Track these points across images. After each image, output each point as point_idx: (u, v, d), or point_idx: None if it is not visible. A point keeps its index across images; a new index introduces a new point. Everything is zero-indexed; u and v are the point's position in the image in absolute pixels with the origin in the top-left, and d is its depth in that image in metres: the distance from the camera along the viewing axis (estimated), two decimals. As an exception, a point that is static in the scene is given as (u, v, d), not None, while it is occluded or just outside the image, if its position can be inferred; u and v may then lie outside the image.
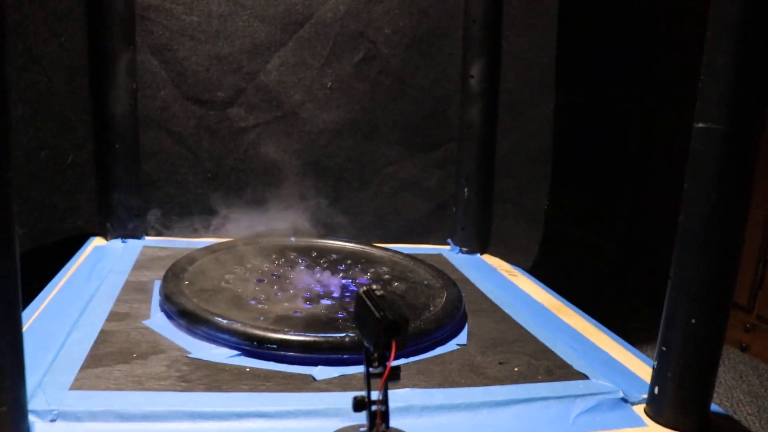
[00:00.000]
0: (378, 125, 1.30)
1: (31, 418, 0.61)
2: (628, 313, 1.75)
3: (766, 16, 0.65)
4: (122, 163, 1.20)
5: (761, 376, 1.51)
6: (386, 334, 0.57)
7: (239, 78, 1.25)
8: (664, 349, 0.72)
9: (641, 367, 0.85)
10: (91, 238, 1.23)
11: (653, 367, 0.73)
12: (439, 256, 1.29)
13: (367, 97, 1.29)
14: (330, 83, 1.28)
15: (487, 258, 1.32)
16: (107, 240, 1.23)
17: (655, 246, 1.90)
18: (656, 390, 0.72)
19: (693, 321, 0.69)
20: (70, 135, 1.19)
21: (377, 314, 0.57)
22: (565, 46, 1.25)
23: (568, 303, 1.10)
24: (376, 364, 0.60)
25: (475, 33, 1.27)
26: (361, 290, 0.61)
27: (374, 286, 0.61)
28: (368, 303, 0.59)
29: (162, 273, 1.02)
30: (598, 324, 1.01)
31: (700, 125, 0.69)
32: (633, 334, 0.98)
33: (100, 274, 1.04)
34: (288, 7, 1.25)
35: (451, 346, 0.86)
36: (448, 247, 1.35)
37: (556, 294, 1.14)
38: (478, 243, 1.33)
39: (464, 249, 1.32)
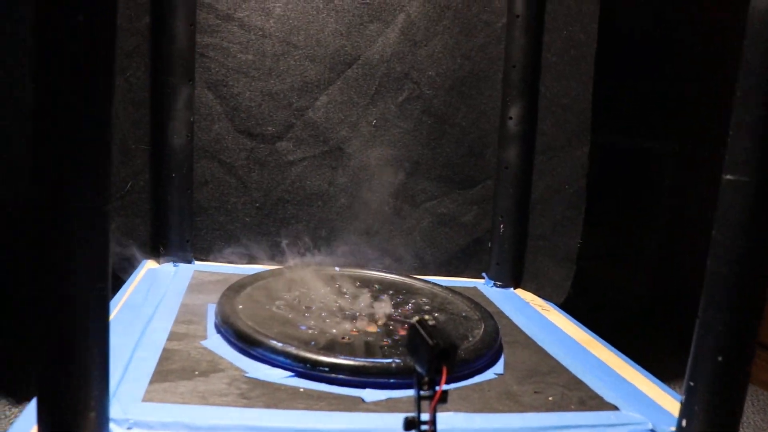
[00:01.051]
0: (419, 162, 1.37)
1: (111, 425, 0.67)
2: (655, 350, 1.78)
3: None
4: (177, 191, 1.27)
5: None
6: (438, 359, 0.63)
7: (289, 114, 1.32)
8: (691, 384, 0.77)
9: (669, 401, 0.89)
10: (144, 261, 1.30)
11: (681, 401, 0.78)
12: (474, 289, 1.34)
13: (410, 136, 1.36)
14: (375, 121, 1.35)
15: (521, 293, 1.37)
16: (159, 263, 1.30)
17: (683, 286, 1.94)
18: (684, 423, 0.76)
19: (720, 359, 0.74)
20: (130, 164, 1.27)
21: (430, 341, 0.63)
22: (601, 88, 1.31)
23: (597, 337, 1.14)
24: (426, 387, 0.66)
25: (514, 77, 1.33)
26: (415, 320, 0.67)
27: (426, 317, 0.67)
28: (421, 331, 0.65)
29: (213, 297, 1.09)
30: (627, 358, 1.05)
31: (728, 177, 0.74)
32: (660, 369, 1.02)
33: (156, 296, 1.11)
34: (337, 48, 1.32)
35: (489, 374, 0.91)
36: (482, 280, 1.40)
37: (586, 329, 1.18)
38: (512, 278, 1.38)
39: (498, 283, 1.37)
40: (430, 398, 0.66)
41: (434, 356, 0.62)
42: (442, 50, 1.35)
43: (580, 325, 1.20)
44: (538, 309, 1.27)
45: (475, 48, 1.35)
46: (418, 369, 0.65)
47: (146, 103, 1.26)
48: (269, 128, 1.32)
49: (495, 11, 1.35)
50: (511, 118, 1.34)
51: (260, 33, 1.29)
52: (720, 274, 0.75)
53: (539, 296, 1.36)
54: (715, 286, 0.75)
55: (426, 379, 0.65)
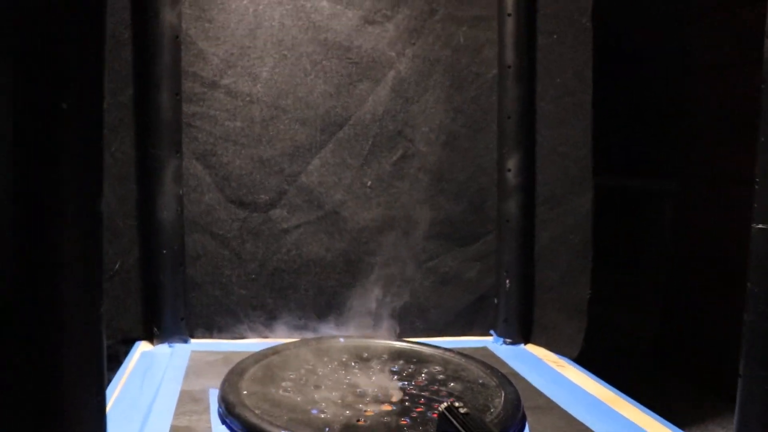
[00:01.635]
0: (418, 221, 1.32)
1: None
2: (667, 394, 1.73)
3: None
4: (169, 267, 1.22)
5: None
6: (476, 453, 0.57)
7: (281, 180, 1.28)
8: (741, 450, 0.71)
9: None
10: (137, 343, 1.24)
11: (730, 469, 0.73)
12: (484, 348, 1.28)
13: (406, 194, 1.32)
14: (370, 182, 1.30)
15: (532, 348, 1.32)
16: (153, 344, 1.23)
17: (690, 325, 1.89)
18: (738, 494, 0.71)
19: None
20: (118, 241, 1.21)
21: (465, 433, 0.57)
22: (601, 131, 1.28)
23: (621, 394, 1.09)
24: (461, 482, 0.60)
25: (509, 128, 1.30)
26: (443, 407, 0.62)
27: (457, 403, 0.61)
28: (454, 422, 0.59)
29: (214, 380, 1.03)
30: (656, 416, 1.00)
31: (759, 226, 0.70)
32: (684, 415, 0.97)
33: (152, 382, 1.04)
34: (327, 109, 1.29)
35: (517, 449, 0.85)
36: (491, 338, 1.35)
37: (607, 384, 1.13)
38: (522, 333, 1.33)
39: (508, 340, 1.32)
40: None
41: (472, 451, 0.57)
42: (434, 105, 1.31)
43: (600, 380, 1.15)
44: (553, 365, 1.22)
45: (468, 100, 1.33)
46: (453, 463, 0.60)
47: (132, 177, 1.21)
48: (262, 196, 1.27)
49: (485, 62, 1.33)
50: (509, 169, 1.30)
51: (248, 99, 1.26)
52: (760, 329, 0.70)
53: (551, 351, 1.30)
54: (755, 342, 0.70)
55: (461, 473, 0.60)
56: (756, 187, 0.71)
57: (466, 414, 0.59)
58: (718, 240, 1.75)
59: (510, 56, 1.30)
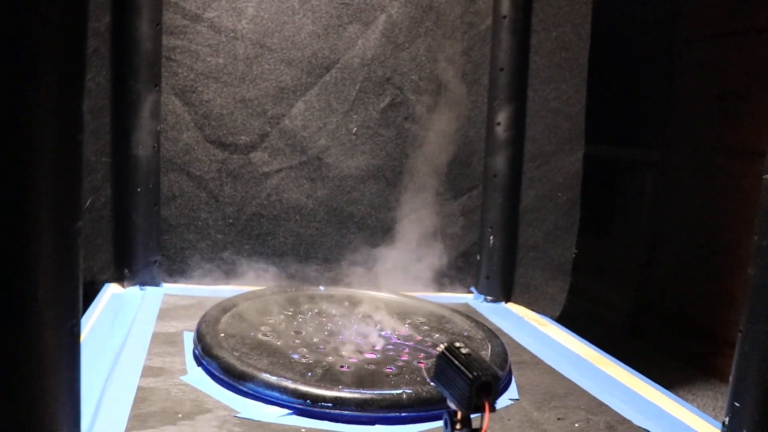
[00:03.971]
0: (402, 172, 1.28)
1: (88, 484, 0.57)
2: (646, 361, 1.73)
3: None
4: (142, 207, 1.17)
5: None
6: (478, 394, 0.54)
7: (263, 122, 1.23)
8: (737, 405, 0.70)
9: (697, 421, 0.83)
10: (107, 285, 1.19)
11: (724, 423, 0.71)
12: (465, 305, 1.26)
13: (392, 144, 1.27)
14: (355, 129, 1.26)
15: (513, 307, 1.30)
16: (124, 287, 1.18)
17: (667, 297, 1.89)
18: (732, 449, 0.69)
19: (769, 377, 0.67)
20: (90, 178, 1.15)
21: (469, 374, 0.54)
22: (590, 96, 1.25)
23: (603, 353, 1.07)
24: (459, 426, 0.57)
25: (501, 81, 1.26)
26: (442, 347, 0.58)
27: (457, 343, 0.58)
28: (455, 361, 0.56)
29: (189, 323, 0.99)
30: (641, 375, 0.98)
31: (770, 177, 0.68)
32: (656, 382, 0.96)
33: (123, 324, 1.00)
34: (315, 51, 1.23)
35: (504, 401, 0.83)
36: (471, 295, 1.32)
37: (589, 343, 1.11)
38: (503, 292, 1.30)
39: (489, 298, 1.30)
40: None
41: (474, 390, 0.54)
42: (425, 53, 1.27)
43: (583, 340, 1.13)
44: (535, 324, 1.20)
45: (460, 51, 1.28)
46: (452, 405, 0.57)
47: (107, 110, 1.15)
48: (242, 138, 1.22)
49: (479, 12, 1.29)
50: (499, 123, 1.27)
51: (232, 35, 1.20)
52: (764, 283, 0.68)
53: (533, 310, 1.28)
54: (760, 296, 0.68)
55: (460, 416, 0.57)
56: (770, 137, 0.68)
57: (468, 354, 0.56)
58: (698, 212, 1.75)
59: (506, 6, 1.25)
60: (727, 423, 0.71)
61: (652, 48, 1.97)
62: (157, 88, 1.15)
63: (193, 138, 1.20)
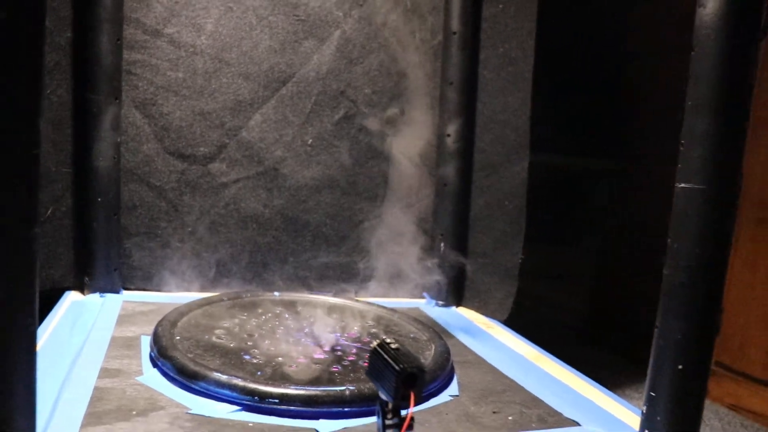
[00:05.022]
0: (356, 182, 1.34)
1: (43, 475, 0.60)
2: (594, 364, 1.80)
3: (744, 89, 0.71)
4: (103, 216, 1.20)
5: (722, 420, 1.57)
6: (405, 385, 0.59)
7: (222, 134, 1.27)
8: (653, 394, 0.76)
9: (626, 414, 0.88)
10: (67, 293, 1.22)
11: (642, 411, 0.77)
12: (417, 309, 1.31)
13: (347, 154, 1.32)
14: (311, 140, 1.31)
15: (463, 311, 1.35)
16: (84, 294, 1.21)
17: (621, 301, 1.96)
18: (647, 434, 0.75)
19: (680, 367, 0.73)
20: (51, 188, 1.18)
21: (396, 366, 0.59)
22: (540, 106, 1.31)
23: (547, 353, 1.13)
24: (390, 416, 0.62)
25: (451, 94, 1.32)
26: (376, 343, 0.63)
27: (388, 339, 0.63)
28: (385, 356, 0.61)
29: (147, 328, 1.03)
30: (578, 372, 1.04)
31: (682, 185, 0.74)
32: (606, 382, 1.02)
33: (83, 329, 1.03)
34: (271, 65, 1.28)
35: (444, 397, 0.88)
36: (424, 300, 1.37)
37: (533, 344, 1.17)
38: (454, 296, 1.36)
39: (440, 302, 1.35)
40: (394, 427, 0.62)
41: (401, 382, 0.59)
42: (378, 67, 1.32)
43: (527, 341, 1.19)
44: (483, 327, 1.25)
45: (412, 65, 1.34)
46: (383, 396, 0.62)
47: (68, 122, 1.18)
48: (201, 149, 1.26)
49: (431, 28, 1.34)
50: (449, 135, 1.33)
51: (191, 50, 1.24)
52: (678, 283, 0.74)
53: (482, 314, 1.34)
54: (673, 295, 0.75)
55: (390, 406, 0.62)
56: (681, 148, 0.75)
57: (397, 349, 0.61)
58: (649, 220, 1.82)
59: (456, 23, 1.31)
60: (644, 411, 0.77)
61: (608, 61, 2.05)
62: (118, 101, 1.19)
63: (153, 149, 1.24)
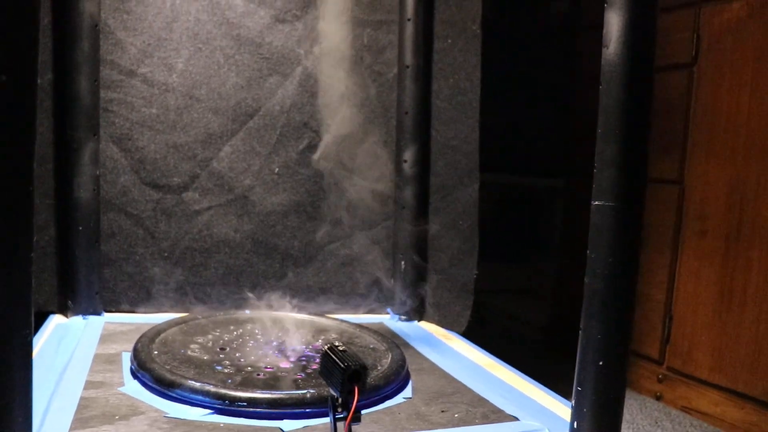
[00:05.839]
0: (321, 207, 1.44)
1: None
2: (553, 371, 1.90)
3: (644, 119, 0.82)
4: (84, 244, 1.29)
5: (673, 421, 1.67)
6: (350, 381, 0.69)
7: (194, 165, 1.37)
8: (579, 389, 0.86)
9: (564, 410, 0.98)
10: (51, 316, 1.30)
11: (572, 406, 0.87)
12: (381, 324, 1.41)
13: (311, 181, 1.43)
14: (277, 169, 1.41)
15: (424, 324, 1.45)
16: (68, 317, 1.30)
17: (578, 313, 2.07)
18: (575, 424, 0.85)
19: (600, 363, 0.83)
20: (35, 218, 1.26)
21: (342, 364, 0.69)
22: (493, 131, 1.43)
23: (498, 360, 1.23)
24: (340, 410, 0.72)
25: (407, 123, 1.43)
26: (326, 346, 0.73)
27: (337, 343, 0.73)
28: (333, 357, 0.71)
29: (127, 346, 1.11)
30: (525, 376, 1.14)
31: (596, 203, 0.85)
32: (559, 387, 1.11)
33: (67, 348, 1.12)
34: (239, 100, 1.38)
35: (398, 399, 0.98)
36: (388, 316, 1.47)
37: (487, 353, 1.27)
38: (415, 311, 1.46)
39: (403, 317, 1.45)
40: (344, 419, 0.72)
41: (346, 378, 0.68)
42: (338, 100, 1.43)
43: (481, 350, 1.29)
44: (442, 338, 1.35)
45: (370, 97, 1.45)
46: (333, 392, 0.71)
47: (50, 158, 1.27)
48: (175, 179, 1.36)
49: (387, 62, 1.45)
50: (406, 161, 1.43)
51: (164, 87, 1.34)
52: (596, 289, 0.85)
53: (442, 327, 1.44)
54: (592, 300, 0.85)
55: (339, 401, 0.71)
56: (595, 170, 0.85)
57: (344, 351, 0.71)
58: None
59: (409, 57, 1.43)
60: (573, 404, 0.87)
61: (557, 86, 2.18)
62: (96, 136, 1.29)
63: (130, 181, 1.34)
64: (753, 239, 1.61)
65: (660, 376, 1.81)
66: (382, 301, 1.48)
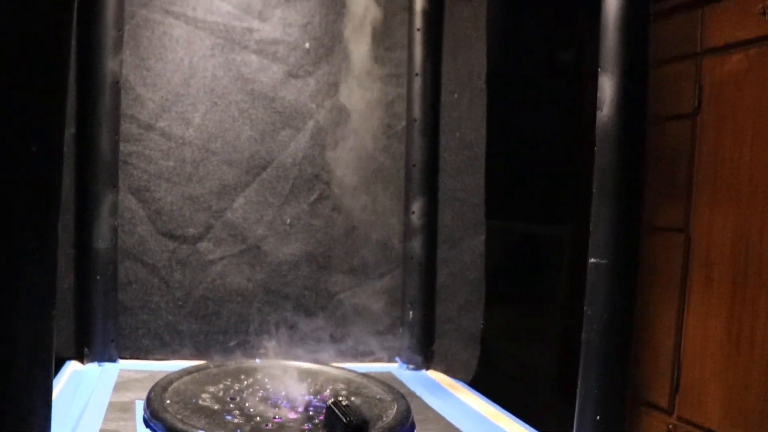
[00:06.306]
0: (331, 257, 1.47)
1: None
2: (560, 418, 1.90)
3: (637, 179, 0.86)
4: (101, 292, 1.33)
5: (682, 474, 1.67)
6: (353, 435, 0.72)
7: (209, 216, 1.41)
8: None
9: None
10: (68, 362, 1.34)
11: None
12: (389, 373, 1.43)
13: (322, 232, 1.47)
14: (289, 220, 1.45)
15: (432, 374, 1.47)
16: (84, 364, 1.33)
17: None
18: (574, 479, 0.87)
19: (598, 417, 0.86)
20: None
21: (344, 419, 0.72)
22: (500, 178, 1.47)
23: (503, 410, 1.24)
24: (344, 462, 0.74)
25: (415, 175, 1.47)
26: (330, 401, 0.76)
27: (340, 398, 0.76)
28: (336, 411, 0.74)
29: (141, 394, 1.14)
30: (528, 426, 1.16)
31: (592, 260, 0.88)
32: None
33: (83, 395, 1.15)
34: (252, 153, 1.43)
35: (403, 449, 1.00)
36: (396, 364, 1.49)
37: (492, 403, 1.29)
38: (423, 360, 1.48)
39: (411, 366, 1.47)
40: (347, 471, 0.74)
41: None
42: (348, 152, 1.48)
43: (487, 399, 1.31)
44: (448, 388, 1.37)
45: (379, 149, 1.49)
46: (336, 445, 0.74)
47: (71, 209, 1.32)
48: (190, 230, 1.40)
49: (396, 115, 1.50)
50: (414, 212, 1.47)
51: (180, 141, 1.39)
52: (593, 344, 0.87)
53: (449, 376, 1.46)
54: (589, 355, 0.88)
55: (343, 453, 0.74)
56: (591, 228, 0.89)
57: (347, 406, 0.74)
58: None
59: (417, 111, 1.48)
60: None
61: (563, 133, 2.22)
62: (115, 188, 1.34)
63: (146, 231, 1.38)
64: (759, 287, 1.62)
65: (670, 426, 1.81)
66: (391, 350, 1.51)
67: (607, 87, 0.86)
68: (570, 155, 2.17)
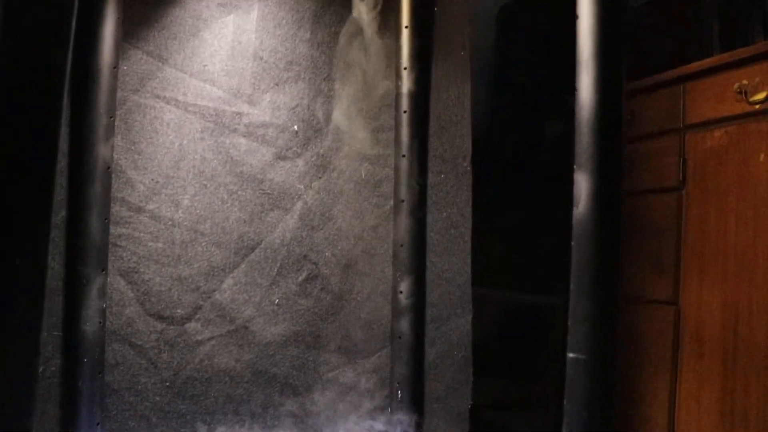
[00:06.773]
0: (320, 336, 1.48)
1: None
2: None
3: (613, 276, 0.87)
4: (88, 375, 1.33)
5: None
6: None
7: (197, 296, 1.42)
8: None
9: None
10: (53, 447, 1.33)
11: None
12: (377, 453, 1.42)
13: (310, 312, 1.47)
14: (277, 300, 1.46)
15: (420, 453, 1.46)
16: (69, 448, 1.32)
17: None
18: None
19: None
20: (42, 350, 1.32)
21: None
22: (492, 249, 1.48)
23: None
24: None
25: (402, 255, 1.49)
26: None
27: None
28: None
29: (124, 482, 1.13)
30: None
31: (571, 355, 0.89)
32: None
33: (65, 485, 1.14)
34: (241, 234, 1.45)
35: None
36: (384, 444, 1.49)
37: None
38: (412, 439, 1.47)
39: (399, 445, 1.46)
40: None
41: None
42: (336, 233, 1.49)
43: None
44: (436, 470, 1.36)
45: (367, 229, 1.51)
46: None
47: (60, 291, 1.33)
48: (178, 311, 1.41)
49: (383, 195, 1.53)
50: (401, 291, 1.48)
51: (170, 223, 1.41)
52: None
53: (438, 455, 1.45)
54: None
55: None
56: (569, 322, 0.90)
57: None
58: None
59: (403, 191, 1.50)
60: None
61: (554, 207, 2.24)
62: (104, 271, 1.35)
63: (135, 312, 1.39)
64: (749, 362, 1.62)
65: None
66: (380, 428, 1.50)
67: (582, 186, 0.88)
68: (565, 226, 2.19)
